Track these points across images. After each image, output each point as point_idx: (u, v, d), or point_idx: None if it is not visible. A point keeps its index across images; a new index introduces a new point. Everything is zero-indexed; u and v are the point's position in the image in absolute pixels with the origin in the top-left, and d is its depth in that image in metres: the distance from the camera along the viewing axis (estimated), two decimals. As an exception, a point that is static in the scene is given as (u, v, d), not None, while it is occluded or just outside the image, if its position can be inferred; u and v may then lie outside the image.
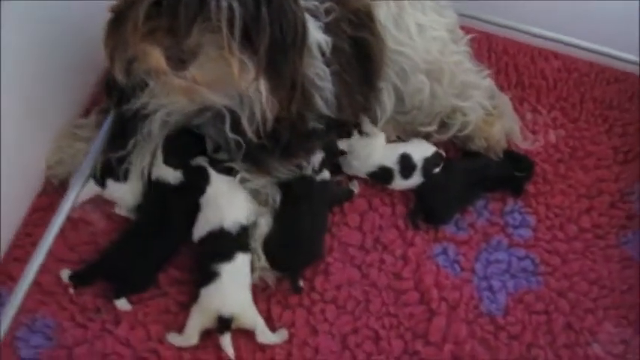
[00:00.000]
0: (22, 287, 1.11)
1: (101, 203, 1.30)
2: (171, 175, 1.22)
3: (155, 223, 1.21)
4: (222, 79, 1.02)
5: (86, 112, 1.39)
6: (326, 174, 1.29)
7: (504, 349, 1.24)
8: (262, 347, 1.18)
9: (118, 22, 1.01)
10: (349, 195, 1.35)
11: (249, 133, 1.13)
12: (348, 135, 1.34)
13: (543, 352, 1.25)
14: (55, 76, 1.26)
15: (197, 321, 1.15)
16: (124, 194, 1.25)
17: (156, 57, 0.97)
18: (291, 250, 1.22)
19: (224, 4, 0.92)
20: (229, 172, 1.21)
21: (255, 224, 1.23)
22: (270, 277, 1.23)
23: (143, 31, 0.95)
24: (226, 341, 1.13)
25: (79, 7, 1.26)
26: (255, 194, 1.24)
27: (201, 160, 1.22)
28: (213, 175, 1.21)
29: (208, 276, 1.15)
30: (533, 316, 1.29)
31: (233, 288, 1.15)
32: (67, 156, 1.29)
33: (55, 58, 1.25)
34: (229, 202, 1.20)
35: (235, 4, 0.92)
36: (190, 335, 1.14)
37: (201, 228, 1.20)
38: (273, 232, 1.24)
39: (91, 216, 1.30)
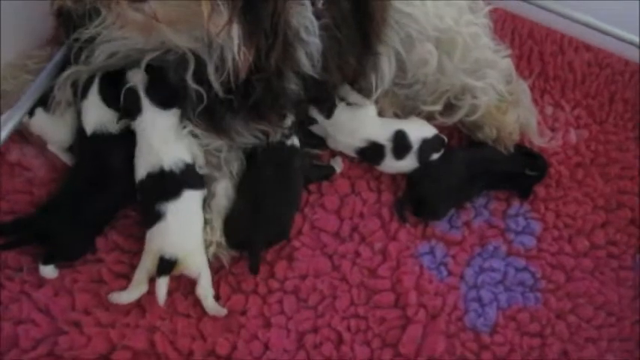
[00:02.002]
0: None
1: (46, 148, 1.13)
2: (112, 124, 1.06)
3: (94, 175, 1.04)
4: (188, 19, 0.88)
5: (44, 45, 1.22)
6: (295, 140, 1.12)
7: (487, 373, 1.06)
8: (203, 335, 1.01)
9: None
10: (329, 172, 1.17)
11: (216, 84, 0.96)
12: (331, 107, 1.16)
13: (531, 382, 1.07)
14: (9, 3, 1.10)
15: (143, 265, 1.00)
16: (53, 128, 1.09)
17: None
18: (252, 223, 1.05)
19: None
20: (168, 104, 1.03)
21: (210, 193, 1.06)
22: (225, 255, 1.06)
23: None
24: (161, 285, 0.97)
25: None
26: (208, 156, 1.07)
27: (136, 82, 1.04)
28: (146, 104, 1.04)
29: (153, 217, 1.01)
30: (525, 337, 1.11)
31: (178, 228, 1.01)
32: (10, 87, 1.12)
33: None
34: (164, 140, 1.03)
35: None
36: (138, 281, 0.99)
37: (139, 168, 1.04)
38: (234, 204, 1.07)
39: (32, 161, 1.13)
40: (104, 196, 1.05)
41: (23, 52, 1.18)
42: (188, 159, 1.05)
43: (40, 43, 1.22)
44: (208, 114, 1.01)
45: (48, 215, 1.02)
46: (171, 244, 0.99)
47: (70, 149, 1.12)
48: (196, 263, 1.01)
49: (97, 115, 1.07)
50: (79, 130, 1.08)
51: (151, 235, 1.01)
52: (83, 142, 1.08)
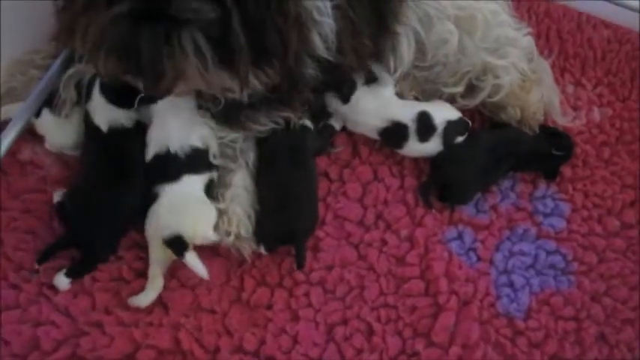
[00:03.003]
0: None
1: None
2: (125, 118, 1.03)
3: (118, 171, 1.02)
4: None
5: (50, 40, 1.18)
6: (307, 121, 1.10)
7: (523, 358, 1.02)
8: (229, 331, 0.98)
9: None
10: (332, 132, 1.16)
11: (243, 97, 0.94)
12: (349, 91, 1.13)
13: (569, 367, 1.03)
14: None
15: (152, 258, 0.98)
16: (58, 129, 1.07)
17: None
18: (287, 216, 1.02)
19: (186, 38, 0.77)
20: None
21: (225, 183, 1.04)
22: (247, 248, 1.02)
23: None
24: (191, 261, 0.96)
25: None
26: (223, 147, 1.05)
27: None
28: None
29: (149, 199, 1.00)
30: (560, 322, 1.07)
31: (170, 208, 0.98)
32: (18, 84, 1.09)
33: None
34: (178, 122, 1.01)
35: (198, 35, 0.77)
36: (153, 276, 0.97)
37: (149, 149, 1.03)
38: (260, 201, 1.04)
39: (44, 159, 1.10)
40: (131, 190, 1.02)
41: (29, 48, 1.15)
42: (198, 144, 1.03)
43: (45, 38, 1.19)
44: (229, 109, 0.98)
45: (82, 225, 0.99)
46: (167, 225, 0.97)
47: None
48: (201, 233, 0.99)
49: (106, 113, 1.05)
50: (94, 130, 1.06)
51: (148, 221, 0.99)
52: (99, 140, 1.05)
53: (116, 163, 1.04)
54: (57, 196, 1.04)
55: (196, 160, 1.03)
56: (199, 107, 1.02)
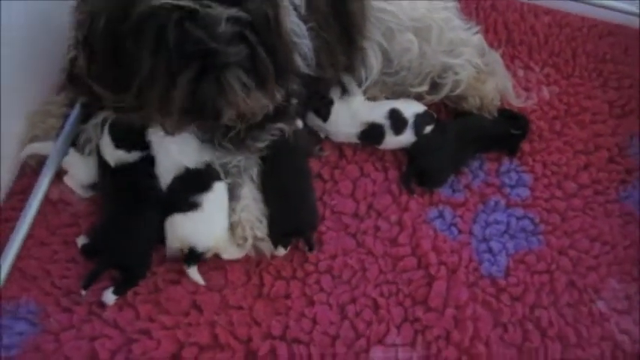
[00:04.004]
0: (2, 273, 1.05)
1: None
2: (130, 156, 1.18)
3: (133, 199, 1.16)
4: None
5: (60, 90, 1.32)
6: (299, 122, 1.25)
7: (507, 311, 1.20)
8: (257, 321, 1.13)
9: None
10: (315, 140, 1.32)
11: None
12: (328, 108, 1.30)
13: (547, 313, 1.21)
14: (26, 59, 1.21)
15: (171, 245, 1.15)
16: (78, 166, 1.20)
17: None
18: (293, 214, 1.19)
19: (232, 77, 0.91)
20: None
21: (235, 197, 1.19)
22: (265, 247, 1.18)
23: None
24: (194, 273, 1.13)
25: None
26: (225, 166, 1.20)
27: None
28: None
29: (187, 206, 1.14)
30: (535, 276, 1.26)
31: (209, 217, 1.14)
32: (40, 132, 1.23)
33: (24, 43, 1.20)
34: (175, 144, 1.16)
35: (239, 72, 0.92)
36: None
37: (165, 176, 1.18)
38: (269, 205, 1.20)
39: (71, 197, 1.24)
40: (149, 213, 1.16)
41: (44, 100, 1.29)
42: (207, 158, 1.18)
43: (54, 90, 1.34)
44: (234, 136, 1.13)
45: (114, 253, 1.13)
46: (204, 237, 1.13)
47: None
48: (224, 247, 1.15)
49: (113, 151, 1.18)
50: (104, 164, 1.20)
51: (182, 222, 1.13)
52: (109, 174, 1.19)
53: (128, 193, 1.17)
54: (80, 240, 1.17)
55: (213, 170, 1.18)
56: (208, 141, 1.16)
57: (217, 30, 0.87)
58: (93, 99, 1.09)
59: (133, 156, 1.19)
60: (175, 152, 1.17)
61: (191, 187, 1.16)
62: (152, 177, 1.19)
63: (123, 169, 1.19)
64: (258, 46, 0.93)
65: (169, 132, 1.04)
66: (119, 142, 1.16)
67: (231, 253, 1.17)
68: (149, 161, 1.20)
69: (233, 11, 0.89)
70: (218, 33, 0.87)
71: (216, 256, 1.17)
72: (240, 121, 1.01)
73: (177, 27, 0.86)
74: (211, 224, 1.15)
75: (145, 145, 1.19)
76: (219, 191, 1.17)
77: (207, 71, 0.89)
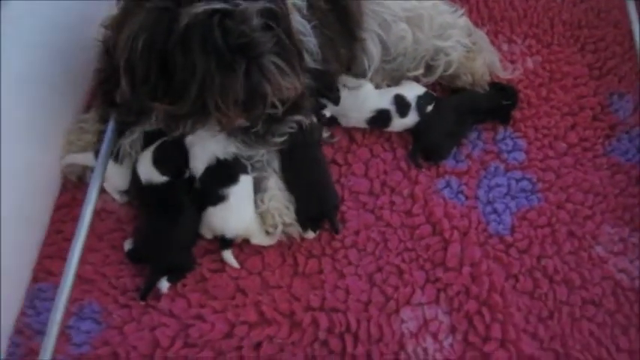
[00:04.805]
0: (67, 280, 1.17)
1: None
2: (159, 179, 1.29)
3: (167, 208, 1.28)
4: None
5: (87, 108, 1.44)
6: (313, 117, 1.37)
7: (516, 264, 1.34)
8: (297, 297, 1.26)
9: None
10: (325, 123, 1.43)
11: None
12: (337, 95, 1.42)
13: (552, 261, 1.35)
14: (57, 78, 1.32)
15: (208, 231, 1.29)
16: (115, 174, 1.32)
17: None
18: (318, 197, 1.31)
19: (268, 62, 1.04)
20: None
21: (262, 189, 1.31)
22: (294, 231, 1.31)
23: None
24: (228, 257, 1.27)
25: (77, 14, 1.33)
26: (250, 159, 1.31)
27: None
28: None
29: (215, 199, 1.26)
30: (538, 230, 1.39)
31: (237, 209, 1.27)
32: (77, 149, 1.34)
33: (55, 62, 1.31)
34: (212, 139, 1.29)
35: (272, 57, 1.04)
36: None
37: (198, 167, 1.29)
38: (294, 194, 1.32)
39: (112, 205, 1.36)
40: (182, 217, 1.28)
41: (74, 119, 1.40)
42: (235, 149, 1.29)
43: (84, 107, 1.45)
44: (256, 132, 1.25)
45: (159, 256, 1.26)
46: (233, 225, 1.26)
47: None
48: (253, 233, 1.28)
49: (145, 170, 1.29)
50: (136, 179, 1.31)
51: (214, 213, 1.26)
52: (140, 189, 1.31)
53: (158, 206, 1.29)
54: (127, 245, 1.30)
55: (240, 163, 1.30)
56: (234, 136, 1.28)
57: (253, 23, 1.00)
58: (129, 116, 1.21)
59: (161, 179, 1.29)
60: (210, 143, 1.29)
61: (220, 179, 1.28)
62: (178, 195, 1.30)
63: (150, 186, 1.29)
64: (281, 33, 1.06)
65: (225, 128, 1.15)
66: (159, 165, 1.28)
67: (260, 239, 1.30)
68: (175, 184, 1.31)
69: (260, 4, 1.02)
70: (254, 25, 1.00)
71: (252, 243, 1.30)
72: (279, 104, 1.13)
73: (220, 27, 0.99)
74: (238, 214, 1.28)
75: (177, 173, 1.31)
76: (245, 183, 1.29)
77: (249, 61, 1.01)
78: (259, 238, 1.30)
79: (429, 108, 1.45)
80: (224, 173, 1.29)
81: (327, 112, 1.44)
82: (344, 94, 1.43)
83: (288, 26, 1.10)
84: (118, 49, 1.05)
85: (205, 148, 1.29)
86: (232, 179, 1.28)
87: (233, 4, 1.00)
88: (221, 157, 1.29)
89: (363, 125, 1.45)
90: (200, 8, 0.98)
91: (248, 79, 1.03)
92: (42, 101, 1.29)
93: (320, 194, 1.32)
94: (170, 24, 1.00)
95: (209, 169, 1.29)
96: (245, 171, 1.30)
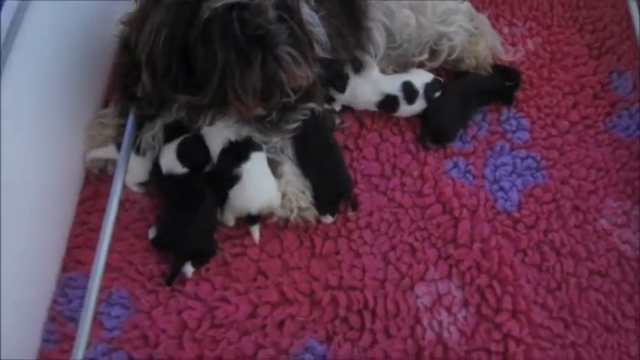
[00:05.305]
0: (97, 268, 1.23)
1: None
2: (180, 170, 1.34)
3: (188, 197, 1.33)
4: None
5: (105, 103, 1.50)
6: (325, 104, 1.42)
7: (524, 239, 1.39)
8: (316, 277, 1.32)
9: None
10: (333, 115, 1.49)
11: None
12: (344, 82, 1.47)
13: (558, 235, 1.40)
14: (77, 74, 1.37)
15: (230, 216, 1.34)
16: (136, 166, 1.37)
17: None
18: (333, 182, 1.37)
19: (283, 52, 1.10)
20: None
21: (278, 174, 1.37)
22: (310, 214, 1.36)
23: None
24: (255, 232, 1.34)
25: (95, 12, 1.39)
26: (267, 150, 1.37)
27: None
28: None
29: (231, 181, 1.32)
30: (544, 205, 1.45)
31: (254, 184, 1.32)
32: (98, 143, 1.40)
33: (74, 60, 1.36)
34: (224, 126, 1.35)
35: (286, 47, 1.10)
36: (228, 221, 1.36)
37: (215, 150, 1.35)
38: (309, 177, 1.38)
39: (135, 195, 1.41)
40: (202, 205, 1.33)
41: (94, 114, 1.46)
42: (246, 133, 1.35)
43: (103, 102, 1.50)
44: (271, 119, 1.30)
45: (182, 243, 1.31)
46: (252, 201, 1.31)
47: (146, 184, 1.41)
48: (276, 206, 1.34)
49: (167, 162, 1.35)
50: (157, 170, 1.36)
51: (234, 195, 1.32)
52: (161, 179, 1.37)
53: (178, 195, 1.34)
54: (151, 233, 1.35)
55: (251, 142, 1.35)
56: (248, 124, 1.33)
57: (269, 15, 1.06)
58: (149, 109, 1.26)
59: (182, 171, 1.35)
60: (222, 127, 1.34)
61: (233, 158, 1.33)
62: (198, 186, 1.35)
63: (171, 177, 1.35)
64: (294, 24, 1.11)
65: (244, 117, 1.21)
66: (183, 158, 1.34)
67: (284, 212, 1.35)
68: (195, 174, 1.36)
69: None
70: (269, 18, 1.06)
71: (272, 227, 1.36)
72: (292, 93, 1.19)
73: (239, 19, 1.04)
74: (256, 189, 1.33)
75: (199, 167, 1.36)
76: (257, 160, 1.34)
77: (265, 52, 1.07)
78: (282, 212, 1.35)
79: (437, 94, 1.50)
80: (235, 153, 1.34)
81: (337, 106, 1.50)
82: (353, 77, 1.47)
83: (300, 18, 1.15)
84: (139, 44, 1.10)
85: (220, 133, 1.35)
86: (244, 157, 1.33)
87: None
88: (233, 139, 1.34)
89: (373, 108, 1.50)
90: (219, 2, 1.03)
91: (265, 69, 1.08)
92: (62, 97, 1.34)
93: (336, 178, 1.38)
94: (191, 18, 1.05)
95: (223, 152, 1.34)
96: (257, 149, 1.35)
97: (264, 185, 1.33)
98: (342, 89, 1.48)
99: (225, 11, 1.04)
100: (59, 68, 1.32)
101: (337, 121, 1.49)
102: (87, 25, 1.37)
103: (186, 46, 1.07)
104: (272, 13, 1.08)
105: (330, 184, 1.37)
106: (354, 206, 1.38)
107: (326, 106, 1.42)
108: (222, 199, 1.34)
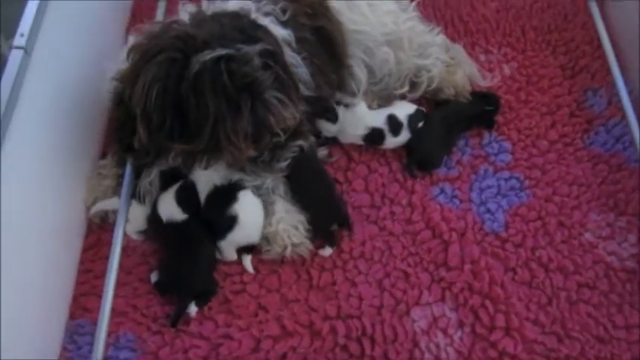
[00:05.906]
0: (104, 314, 1.28)
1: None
2: (180, 217, 1.40)
3: (189, 242, 1.39)
4: None
5: (103, 154, 1.56)
6: (312, 137, 1.47)
7: (513, 257, 1.44)
8: (314, 308, 1.37)
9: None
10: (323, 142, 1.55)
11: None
12: (335, 113, 1.53)
13: (545, 251, 1.45)
14: (76, 128, 1.44)
15: (231, 249, 1.40)
16: (136, 215, 1.43)
17: None
18: (330, 210, 1.44)
19: (270, 97, 1.17)
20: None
21: (270, 212, 1.42)
22: (304, 250, 1.41)
23: None
24: (248, 262, 1.40)
25: (91, 69, 1.45)
26: (258, 189, 1.43)
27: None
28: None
29: (227, 223, 1.37)
30: (530, 224, 1.50)
31: (249, 222, 1.38)
32: (99, 193, 1.46)
33: (73, 113, 1.43)
34: (211, 172, 1.39)
35: (273, 92, 1.18)
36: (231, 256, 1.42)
37: (201, 197, 1.41)
38: (306, 210, 1.43)
39: (134, 241, 1.46)
40: (202, 248, 1.39)
41: (93, 165, 1.52)
42: (231, 177, 1.40)
43: (101, 153, 1.57)
44: (261, 161, 1.36)
45: (186, 287, 1.36)
46: (254, 234, 1.38)
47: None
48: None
49: (167, 209, 1.40)
50: (156, 217, 1.41)
51: (234, 233, 1.37)
52: (161, 227, 1.41)
53: (179, 241, 1.39)
54: (154, 277, 1.40)
55: (235, 183, 1.40)
56: (240, 170, 1.39)
57: (254, 63, 1.13)
58: (145, 159, 1.32)
59: (182, 217, 1.40)
60: (211, 172, 1.39)
61: (221, 202, 1.38)
62: (196, 230, 1.40)
63: (172, 224, 1.40)
64: (279, 69, 1.18)
65: (237, 160, 1.28)
66: (183, 205, 1.39)
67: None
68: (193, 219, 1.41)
69: (258, 47, 1.15)
70: (255, 66, 1.13)
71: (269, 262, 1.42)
72: (281, 133, 1.26)
73: (227, 70, 1.11)
74: (254, 223, 1.39)
75: (197, 211, 1.41)
76: (245, 197, 1.40)
77: (254, 98, 1.14)
78: (277, 249, 1.40)
79: (420, 124, 1.56)
80: (222, 196, 1.39)
81: (327, 135, 1.57)
82: (341, 111, 1.54)
83: (284, 62, 1.23)
84: (133, 99, 1.17)
85: (209, 178, 1.40)
86: (232, 199, 1.38)
87: (235, 49, 1.13)
88: (219, 183, 1.40)
89: (359, 141, 1.57)
90: (208, 56, 1.10)
91: (254, 114, 1.16)
92: (62, 149, 1.40)
93: (332, 206, 1.44)
94: (181, 72, 1.12)
95: (208, 198, 1.40)
96: (241, 188, 1.40)
97: (261, 214, 1.40)
98: (334, 119, 1.54)
99: (214, 63, 1.11)
100: (59, 120, 1.38)
101: (324, 151, 1.55)
102: (83, 83, 1.44)
103: (178, 99, 1.14)
104: (257, 61, 1.15)
105: (328, 213, 1.43)
106: (351, 229, 1.44)
107: (312, 138, 1.48)
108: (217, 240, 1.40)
